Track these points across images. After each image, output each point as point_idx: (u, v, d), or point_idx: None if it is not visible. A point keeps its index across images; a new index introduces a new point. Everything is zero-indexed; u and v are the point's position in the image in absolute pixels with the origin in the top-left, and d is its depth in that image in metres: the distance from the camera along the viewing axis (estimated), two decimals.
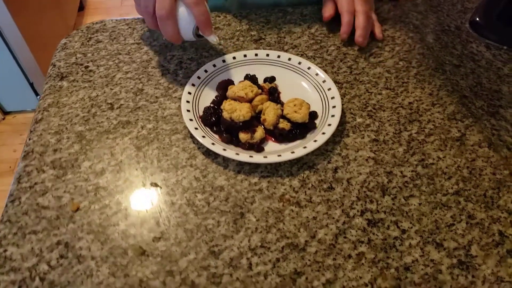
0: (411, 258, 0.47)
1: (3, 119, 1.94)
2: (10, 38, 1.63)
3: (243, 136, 0.56)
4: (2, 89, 1.82)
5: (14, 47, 1.66)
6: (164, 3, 0.56)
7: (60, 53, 0.72)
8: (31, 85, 1.81)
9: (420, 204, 0.51)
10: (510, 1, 0.74)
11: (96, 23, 0.77)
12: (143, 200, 0.52)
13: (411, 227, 0.49)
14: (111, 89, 0.65)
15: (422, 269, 0.46)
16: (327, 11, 0.73)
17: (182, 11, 0.58)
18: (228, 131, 0.57)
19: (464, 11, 0.78)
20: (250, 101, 0.59)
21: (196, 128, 0.56)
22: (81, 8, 2.46)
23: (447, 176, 0.54)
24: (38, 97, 1.81)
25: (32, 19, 1.74)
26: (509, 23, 0.73)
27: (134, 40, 0.73)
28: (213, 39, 0.60)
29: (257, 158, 0.53)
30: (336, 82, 0.65)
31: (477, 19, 0.74)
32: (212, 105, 0.60)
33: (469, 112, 0.61)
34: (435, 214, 0.50)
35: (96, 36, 0.75)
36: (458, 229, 0.49)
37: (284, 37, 0.73)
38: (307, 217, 0.50)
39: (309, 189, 0.53)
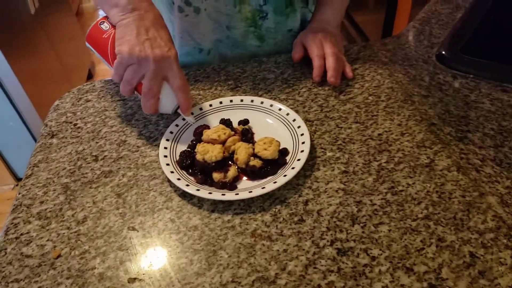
0: (381, 284, 0.47)
1: (16, 185, 2.01)
2: (22, 106, 1.72)
3: (216, 176, 0.58)
4: (14, 156, 1.90)
5: (25, 115, 1.76)
6: (152, 85, 0.61)
7: (52, 113, 0.78)
8: None
9: (389, 230, 0.52)
10: (473, 34, 0.78)
11: (86, 84, 0.83)
12: (121, 243, 0.54)
13: (381, 254, 0.50)
14: (96, 142, 0.69)
15: None
16: (297, 53, 0.78)
17: (166, 92, 0.64)
18: (202, 172, 0.59)
19: (431, 46, 0.82)
20: (223, 143, 0.62)
21: (172, 172, 0.59)
22: (90, 76, 2.60)
23: (417, 201, 0.55)
24: None
25: (41, 89, 1.85)
26: (474, 54, 0.76)
27: (120, 97, 0.79)
28: (190, 119, 0.67)
29: (229, 195, 0.55)
30: (307, 120, 0.68)
31: (443, 52, 0.78)
32: (187, 149, 0.63)
33: (437, 139, 0.63)
34: (405, 239, 0.51)
35: (86, 96, 0.80)
36: (428, 252, 0.49)
37: (259, 84, 0.77)
38: (278, 250, 0.51)
39: (280, 222, 0.54)
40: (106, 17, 0.65)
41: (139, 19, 0.62)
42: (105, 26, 0.65)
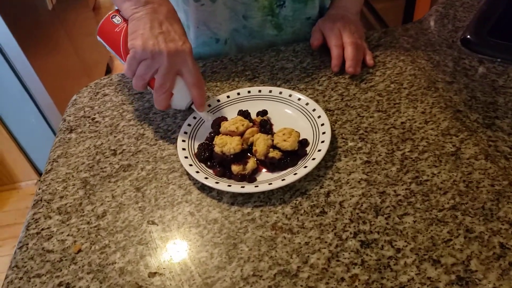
0: (407, 277, 0.45)
1: (39, 180, 2.05)
2: (42, 103, 1.75)
3: (235, 168, 0.57)
4: (37, 152, 1.94)
5: (46, 111, 1.78)
6: (165, 80, 0.60)
7: (70, 108, 0.78)
8: None
9: (414, 221, 0.50)
10: (500, 17, 0.74)
11: (104, 78, 0.83)
12: (141, 237, 0.53)
13: (406, 246, 0.48)
14: (114, 136, 0.69)
15: (418, 287, 0.44)
16: (315, 40, 0.76)
17: (180, 87, 0.62)
18: (221, 164, 0.59)
19: (455, 30, 0.79)
20: (241, 134, 0.61)
21: (190, 165, 0.58)
22: (109, 71, 2.62)
23: (443, 191, 0.53)
24: None
25: (61, 85, 1.87)
26: (501, 37, 0.73)
27: (137, 91, 0.78)
28: (204, 116, 0.65)
29: (249, 188, 0.54)
30: (327, 110, 0.66)
31: (468, 36, 0.75)
32: (205, 141, 0.62)
33: (463, 126, 0.60)
34: (431, 230, 0.49)
35: (103, 90, 0.80)
36: (456, 244, 0.47)
37: (277, 74, 0.75)
38: (300, 243, 0.50)
39: (301, 215, 0.53)
40: (118, 11, 0.64)
41: (152, 13, 0.60)
42: (117, 19, 0.63)
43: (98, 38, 0.65)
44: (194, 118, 0.66)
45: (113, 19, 0.63)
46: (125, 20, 0.63)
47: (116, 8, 0.65)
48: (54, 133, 1.87)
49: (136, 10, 0.60)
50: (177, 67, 0.60)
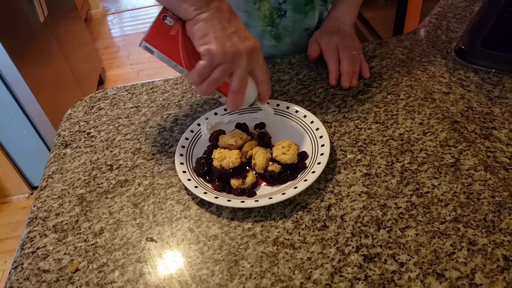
0: None
1: (31, 194, 2.02)
2: (34, 115, 1.73)
3: (234, 182, 0.56)
4: (28, 165, 1.91)
5: (37, 123, 1.76)
6: (244, 81, 0.57)
7: (65, 123, 0.77)
8: None
9: (417, 234, 0.50)
10: (492, 27, 0.75)
11: (98, 92, 0.82)
12: (140, 255, 0.52)
13: (409, 259, 0.48)
14: (111, 151, 0.68)
15: None
16: (313, 51, 0.76)
17: (251, 85, 0.60)
18: (220, 179, 0.58)
19: (449, 41, 0.80)
20: (240, 148, 0.60)
21: (189, 180, 0.58)
22: (101, 82, 2.61)
23: (444, 203, 0.53)
24: None
25: (53, 96, 1.86)
26: (495, 47, 0.74)
27: (133, 104, 0.78)
28: (268, 109, 0.65)
29: (249, 203, 0.54)
30: (325, 122, 0.66)
31: (463, 46, 0.75)
32: (204, 155, 0.61)
33: (461, 137, 0.61)
34: (434, 243, 0.49)
35: (98, 104, 0.79)
36: (459, 257, 0.47)
37: (274, 86, 0.75)
38: (302, 258, 0.49)
39: (302, 229, 0.52)
40: (165, 10, 0.56)
41: (218, 11, 0.54)
42: (169, 21, 0.56)
43: (146, 44, 0.56)
44: (192, 131, 0.66)
45: (165, 21, 0.56)
46: (177, 21, 0.56)
47: (162, 7, 0.57)
48: (46, 146, 1.85)
49: (199, 11, 0.54)
50: (252, 66, 0.57)
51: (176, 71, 0.58)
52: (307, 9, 0.80)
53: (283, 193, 0.54)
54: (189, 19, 0.54)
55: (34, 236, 0.57)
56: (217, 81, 0.56)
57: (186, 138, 0.65)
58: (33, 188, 2.03)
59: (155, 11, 3.56)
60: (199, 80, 0.55)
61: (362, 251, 0.49)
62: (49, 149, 1.87)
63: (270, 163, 0.58)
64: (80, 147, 0.70)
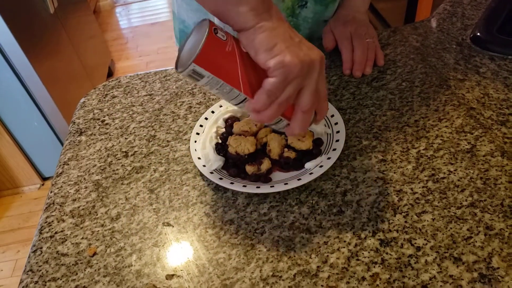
0: (428, 275, 0.45)
1: (42, 185, 2.04)
2: (45, 106, 1.74)
3: (249, 169, 0.57)
4: (40, 156, 1.93)
5: (49, 115, 1.78)
6: (315, 96, 0.48)
7: (79, 111, 0.77)
8: None
9: (433, 219, 0.50)
10: (509, 13, 0.74)
11: (112, 80, 0.83)
12: (156, 239, 0.53)
13: (426, 244, 0.48)
14: (125, 138, 0.69)
15: (441, 286, 0.44)
16: (329, 43, 0.76)
17: None
18: (235, 165, 0.58)
19: (464, 28, 0.79)
20: (254, 134, 0.60)
21: (204, 166, 0.58)
22: (110, 74, 2.62)
23: (460, 188, 0.52)
24: None
25: (64, 88, 1.87)
26: (511, 34, 0.73)
27: (147, 92, 0.78)
28: (321, 127, 0.60)
29: (264, 188, 0.54)
30: (339, 108, 0.66)
31: (478, 33, 0.75)
32: (219, 142, 0.62)
33: (477, 124, 0.60)
34: (451, 228, 0.49)
35: (112, 92, 0.80)
36: (476, 241, 0.47)
37: None
38: (318, 242, 0.50)
39: (318, 214, 0.53)
40: (211, 22, 0.44)
41: (279, 19, 0.46)
42: (222, 35, 0.44)
43: (195, 68, 0.43)
44: (206, 119, 0.66)
45: (218, 35, 0.44)
46: (228, 34, 0.45)
47: (202, 19, 0.45)
48: (57, 137, 1.87)
49: (259, 18, 0.44)
50: (319, 79, 0.48)
51: (225, 99, 0.48)
52: (329, 1, 0.79)
53: (299, 179, 0.54)
54: (246, 28, 0.44)
55: (52, 221, 0.58)
56: (287, 101, 0.46)
57: (201, 125, 0.65)
58: (44, 179, 2.05)
59: (163, 2, 3.55)
60: (268, 103, 0.45)
61: (379, 236, 0.49)
62: (60, 140, 1.88)
63: (285, 149, 0.58)
64: (95, 134, 0.71)
